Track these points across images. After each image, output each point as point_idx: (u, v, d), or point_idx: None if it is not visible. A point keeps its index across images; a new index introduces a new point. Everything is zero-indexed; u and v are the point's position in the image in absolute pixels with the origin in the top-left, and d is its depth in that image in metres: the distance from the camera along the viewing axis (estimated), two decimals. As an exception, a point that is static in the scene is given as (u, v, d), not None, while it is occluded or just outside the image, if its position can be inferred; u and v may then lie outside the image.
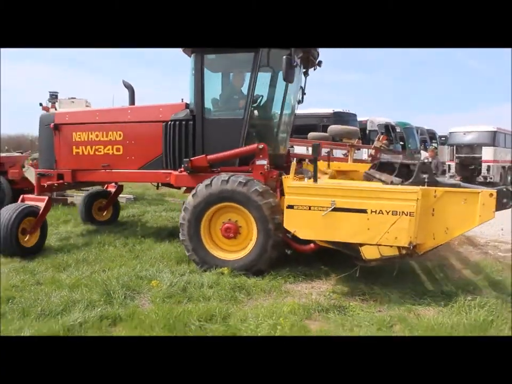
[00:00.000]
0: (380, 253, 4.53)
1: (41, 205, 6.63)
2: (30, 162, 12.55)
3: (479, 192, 4.31)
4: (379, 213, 4.42)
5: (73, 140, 7.07)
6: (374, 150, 10.29)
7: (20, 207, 6.39)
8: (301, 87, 7.14)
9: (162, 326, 3.67)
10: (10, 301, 4.33)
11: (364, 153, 14.06)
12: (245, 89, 6.24)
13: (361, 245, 4.56)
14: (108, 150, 6.84)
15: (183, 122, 6.31)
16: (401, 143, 22.04)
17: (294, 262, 5.56)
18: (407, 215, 4.33)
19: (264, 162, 5.71)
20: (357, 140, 10.92)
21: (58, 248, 6.68)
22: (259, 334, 3.49)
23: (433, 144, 28.33)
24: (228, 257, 5.43)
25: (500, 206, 4.35)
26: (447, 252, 6.80)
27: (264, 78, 6.40)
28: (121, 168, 6.86)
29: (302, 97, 7.26)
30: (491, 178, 22.22)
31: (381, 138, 10.70)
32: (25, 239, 6.37)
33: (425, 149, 23.22)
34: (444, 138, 28.94)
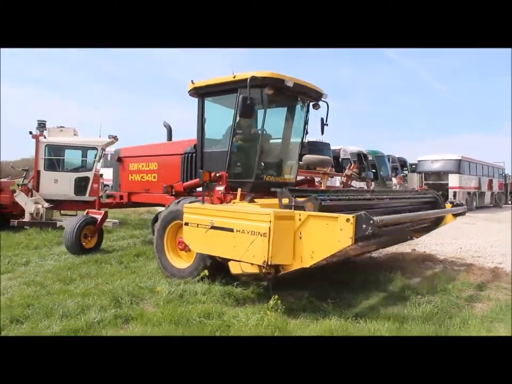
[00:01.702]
0: (241, 269, 4.98)
1: (99, 217, 8.66)
2: (20, 188, 13.10)
3: (337, 217, 4.34)
4: (242, 232, 4.78)
5: (129, 169, 8.91)
6: (345, 178, 11.25)
7: (83, 218, 8.65)
8: (322, 118, 7.99)
9: (168, 321, 4.42)
10: (29, 307, 4.98)
11: (337, 181, 15.03)
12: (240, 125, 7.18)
13: (229, 260, 5.10)
14: (149, 177, 8.45)
15: (189, 155, 7.60)
16: (373, 170, 23.19)
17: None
18: (262, 235, 4.56)
19: (221, 188, 6.51)
20: (329, 168, 11.85)
21: (58, 266, 7.30)
22: (249, 326, 4.27)
23: (405, 171, 29.73)
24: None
25: (360, 232, 4.23)
26: (410, 266, 7.70)
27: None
28: (156, 192, 8.29)
29: (322, 129, 8.03)
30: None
31: (351, 167, 11.69)
32: (87, 242, 8.53)
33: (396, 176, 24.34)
34: (414, 166, 30.12)
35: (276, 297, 4.43)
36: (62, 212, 13.26)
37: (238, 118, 6.85)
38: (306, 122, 7.92)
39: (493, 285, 6.58)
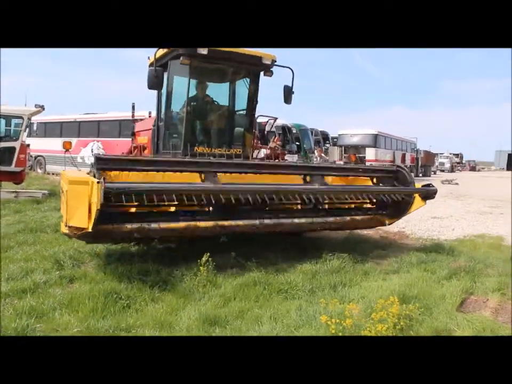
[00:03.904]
0: (61, 229, 5.39)
1: None
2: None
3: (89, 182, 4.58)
4: (64, 196, 4.99)
5: (138, 143, 9.27)
6: (269, 150, 11.98)
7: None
8: (285, 86, 7.77)
9: (110, 279, 4.92)
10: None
11: (262, 153, 15.77)
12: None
13: None
14: (144, 149, 8.71)
15: (153, 128, 8.06)
16: (297, 143, 24.16)
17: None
18: (65, 199, 4.87)
19: None
20: (255, 140, 12.47)
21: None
22: (185, 280, 4.89)
23: (327, 145, 31.13)
24: None
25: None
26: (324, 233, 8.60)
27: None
28: None
29: (286, 97, 7.83)
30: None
31: (275, 139, 12.45)
32: None
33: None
34: (336, 140, 31.60)
35: (208, 254, 5.03)
36: (-16, 182, 12.94)
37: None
38: (254, 92, 7.75)
39: (395, 245, 7.64)
